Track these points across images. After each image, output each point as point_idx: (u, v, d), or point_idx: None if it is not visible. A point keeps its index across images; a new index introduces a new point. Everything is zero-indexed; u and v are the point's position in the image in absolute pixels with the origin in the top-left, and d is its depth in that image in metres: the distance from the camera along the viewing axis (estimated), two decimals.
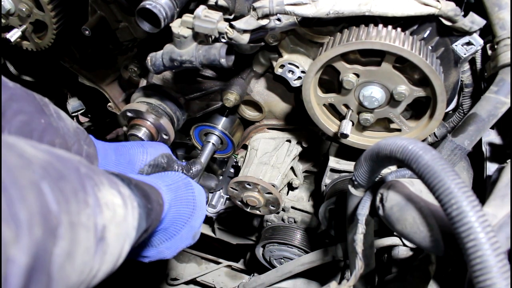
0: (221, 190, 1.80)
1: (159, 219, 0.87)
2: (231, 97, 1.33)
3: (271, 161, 1.45)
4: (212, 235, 2.04)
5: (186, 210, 0.96)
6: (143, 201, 0.74)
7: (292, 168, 1.55)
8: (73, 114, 1.88)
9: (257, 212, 1.45)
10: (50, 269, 0.47)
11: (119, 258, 0.64)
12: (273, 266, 1.76)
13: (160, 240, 0.96)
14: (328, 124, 1.24)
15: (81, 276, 0.54)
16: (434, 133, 1.29)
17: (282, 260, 1.73)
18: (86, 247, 0.53)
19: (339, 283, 0.94)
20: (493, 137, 1.15)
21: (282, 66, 1.23)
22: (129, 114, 1.35)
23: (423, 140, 1.22)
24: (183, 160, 1.25)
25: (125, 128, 1.41)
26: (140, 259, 0.99)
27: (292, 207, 1.72)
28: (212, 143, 1.49)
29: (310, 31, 1.15)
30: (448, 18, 1.00)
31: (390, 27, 1.03)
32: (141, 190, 0.77)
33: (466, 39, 1.04)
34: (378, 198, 0.91)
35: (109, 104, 1.66)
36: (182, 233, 0.96)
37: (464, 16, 1.00)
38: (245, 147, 1.60)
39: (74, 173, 0.56)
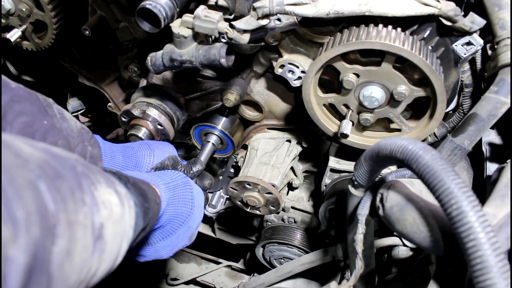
0: (221, 190, 1.80)
1: (157, 217, 0.87)
2: (231, 97, 1.32)
3: (271, 161, 1.45)
4: (212, 235, 2.04)
5: (184, 209, 0.96)
6: (140, 200, 0.74)
7: (292, 168, 1.55)
8: (73, 114, 1.87)
9: (257, 212, 1.45)
10: (50, 268, 0.47)
11: (117, 256, 0.64)
12: (273, 266, 1.76)
13: (157, 238, 0.96)
14: (328, 124, 1.24)
15: (80, 275, 0.53)
16: (434, 133, 1.29)
17: (282, 260, 1.73)
18: (84, 245, 0.53)
19: (339, 283, 0.94)
20: (493, 137, 1.15)
21: (282, 66, 1.22)
22: (123, 118, 1.35)
23: (423, 140, 1.21)
24: (183, 160, 1.25)
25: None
26: (136, 257, 0.99)
27: (292, 207, 1.72)
28: (212, 143, 1.48)
29: (310, 31, 1.15)
30: (448, 18, 1.00)
31: (390, 27, 1.03)
32: (138, 189, 0.77)
33: (466, 39, 1.04)
34: (378, 198, 0.90)
35: (109, 104, 1.66)
36: (179, 232, 0.96)
37: (464, 16, 1.00)
38: (245, 147, 1.60)
39: (71, 172, 0.55)
